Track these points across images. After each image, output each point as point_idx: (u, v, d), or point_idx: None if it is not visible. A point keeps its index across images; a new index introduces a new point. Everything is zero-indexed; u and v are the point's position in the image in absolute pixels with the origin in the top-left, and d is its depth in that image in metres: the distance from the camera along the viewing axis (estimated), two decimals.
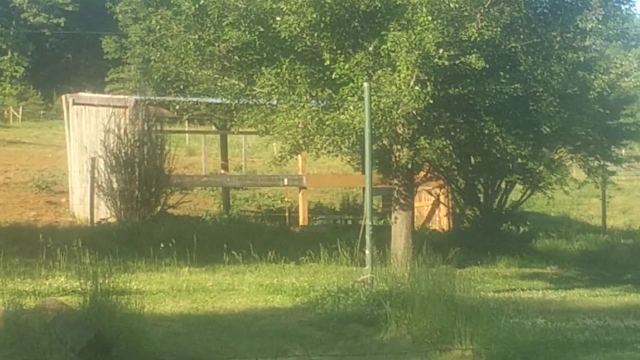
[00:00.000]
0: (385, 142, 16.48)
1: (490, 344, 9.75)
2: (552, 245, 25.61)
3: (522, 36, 16.73)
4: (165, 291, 13.55)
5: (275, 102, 16.55)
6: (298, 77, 15.83)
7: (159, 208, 23.52)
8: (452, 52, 15.09)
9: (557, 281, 19.91)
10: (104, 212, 23.47)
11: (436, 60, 14.92)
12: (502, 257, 22.20)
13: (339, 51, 15.58)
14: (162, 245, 17.20)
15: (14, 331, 9.10)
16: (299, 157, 25.14)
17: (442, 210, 28.83)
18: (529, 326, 11.44)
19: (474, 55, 15.10)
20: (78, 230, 21.46)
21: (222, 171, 31.55)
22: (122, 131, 23.27)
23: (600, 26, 17.46)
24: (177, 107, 25.74)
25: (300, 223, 27.44)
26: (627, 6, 18.04)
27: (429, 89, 14.91)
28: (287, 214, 29.39)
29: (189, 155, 36.46)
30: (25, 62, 72.38)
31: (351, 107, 15.20)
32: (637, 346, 11.09)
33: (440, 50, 14.89)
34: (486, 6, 15.36)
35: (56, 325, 9.06)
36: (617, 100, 25.60)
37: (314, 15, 15.08)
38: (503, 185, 24.67)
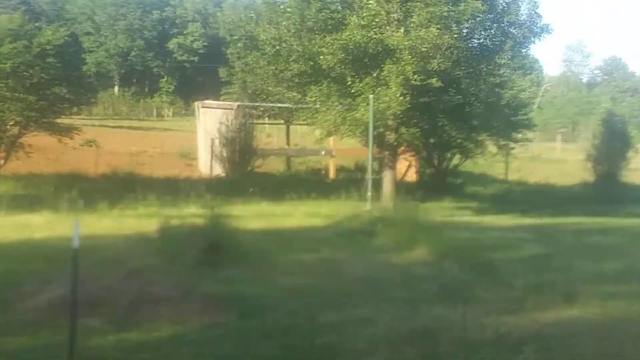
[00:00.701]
0: (381, 130, 16.24)
1: (437, 247, 9.72)
2: (475, 190, 25.17)
3: (463, 67, 16.46)
4: (252, 216, 13.41)
5: (318, 107, 16.40)
6: (332, 91, 15.71)
7: (249, 168, 23.43)
8: (422, 77, 14.87)
9: (477, 211, 19.52)
10: (218, 170, 23.44)
11: (412, 82, 14.74)
12: (446, 197, 21.73)
13: (356, 76, 15.40)
14: (251, 189, 17.15)
15: (165, 239, 9.13)
16: (331, 138, 24.84)
17: (412, 170, 28.42)
18: (460, 237, 11.43)
19: (434, 79, 14.93)
20: (203, 181, 21.32)
21: (286, 146, 31.33)
22: (229, 123, 23.15)
23: (509, 61, 17.27)
24: (261, 109, 25.56)
25: (331, 177, 27.27)
26: (525, 50, 17.68)
27: (407, 98, 14.82)
28: (323, 172, 29.18)
29: (267, 137, 36.21)
30: (174, 83, 72.70)
31: (362, 110, 15.11)
32: (519, 248, 10.96)
33: (415, 76, 14.69)
34: (443, 50, 15.10)
35: (190, 236, 9.05)
36: (517, 105, 25.25)
37: (342, 55, 14.96)
38: (448, 155, 24.32)
